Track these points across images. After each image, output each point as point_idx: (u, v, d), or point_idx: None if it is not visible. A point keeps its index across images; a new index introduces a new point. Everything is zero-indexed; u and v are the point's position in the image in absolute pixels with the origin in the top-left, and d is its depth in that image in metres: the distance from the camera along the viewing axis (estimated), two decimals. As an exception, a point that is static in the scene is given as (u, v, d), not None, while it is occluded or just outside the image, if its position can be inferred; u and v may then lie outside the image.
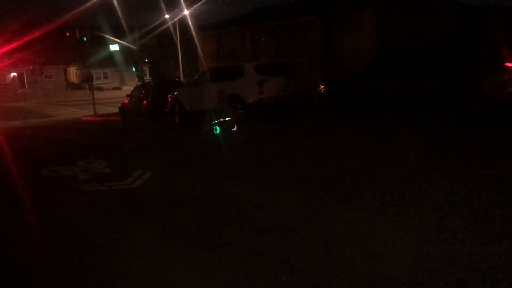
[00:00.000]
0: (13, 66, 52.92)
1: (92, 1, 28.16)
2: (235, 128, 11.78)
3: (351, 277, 2.94)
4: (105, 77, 55.57)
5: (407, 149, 7.07)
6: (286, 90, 12.86)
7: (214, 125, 11.78)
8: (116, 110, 23.41)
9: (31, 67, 47.05)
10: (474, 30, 17.50)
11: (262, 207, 4.70)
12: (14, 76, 55.53)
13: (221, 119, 11.65)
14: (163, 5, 32.10)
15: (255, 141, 9.98)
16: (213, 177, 6.49)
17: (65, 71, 58.86)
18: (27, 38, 42.17)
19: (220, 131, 11.50)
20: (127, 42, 29.32)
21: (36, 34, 42.20)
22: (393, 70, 9.49)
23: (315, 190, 5.14)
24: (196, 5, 30.18)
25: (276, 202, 4.85)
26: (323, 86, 11.20)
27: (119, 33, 32.51)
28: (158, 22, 34.69)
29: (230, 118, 11.76)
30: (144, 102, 18.21)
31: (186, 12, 31.05)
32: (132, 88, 27.81)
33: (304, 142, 9.07)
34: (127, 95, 20.82)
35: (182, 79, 28.31)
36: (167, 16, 32.75)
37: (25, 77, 54.70)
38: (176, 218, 4.53)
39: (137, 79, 30.35)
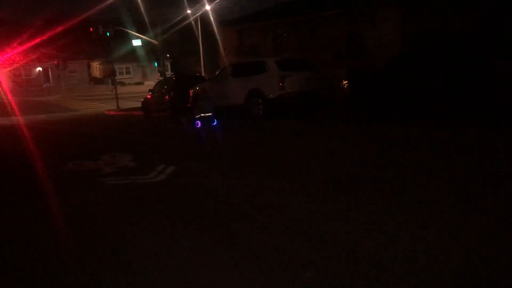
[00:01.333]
0: (38, 61, 53.96)
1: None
2: (215, 123, 12.75)
3: (375, 277, 2.90)
4: (128, 72, 56.24)
5: (430, 147, 6.95)
6: (308, 85, 12.78)
7: (196, 119, 12.91)
8: (138, 104, 23.64)
9: (56, 62, 47.88)
10: (503, 26, 17.05)
11: (286, 204, 4.68)
12: (39, 70, 56.62)
13: (202, 115, 12.71)
14: (185, 0, 32.24)
15: (277, 138, 9.95)
16: (235, 172, 6.50)
17: (89, 66, 59.74)
18: (51, 33, 42.91)
19: (202, 125, 12.63)
20: (149, 37, 29.58)
21: (60, 29, 42.92)
22: (417, 66, 9.33)
23: (338, 189, 5.09)
24: (218, 0, 30.23)
25: (300, 200, 4.82)
26: (346, 82, 11.08)
27: (141, 28, 32.82)
28: (180, 17, 34.85)
29: (210, 114, 12.79)
30: (166, 97, 18.35)
31: (207, 7, 31.13)
32: (153, 83, 28.09)
33: (326, 139, 9.02)
34: (150, 90, 21.00)
35: (203, 74, 28.42)
36: (188, 11, 32.88)
37: (49, 72, 55.73)
38: (199, 213, 4.54)
39: (158, 74, 30.62)
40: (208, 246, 3.61)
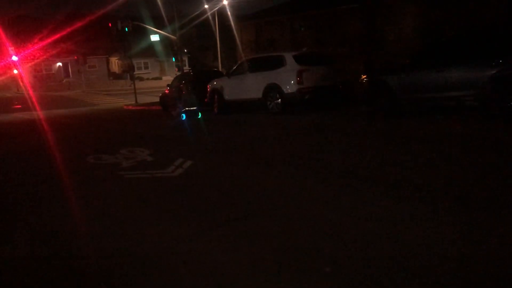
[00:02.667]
0: (58, 56, 54.76)
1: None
2: (199, 116, 14.45)
3: (392, 273, 2.87)
4: (146, 67, 56.70)
5: (453, 144, 6.85)
6: (326, 80, 12.72)
7: (182, 112, 14.40)
8: (157, 99, 23.83)
9: (76, 57, 48.57)
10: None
11: (305, 200, 4.66)
12: (59, 66, 57.46)
13: (187, 108, 14.49)
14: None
15: (295, 132, 9.92)
16: (254, 166, 6.50)
17: (107, 61, 60.39)
18: (70, 29, 43.47)
19: (186, 118, 14.27)
20: (167, 33, 29.72)
21: (79, 24, 43.44)
22: (437, 61, 9.16)
23: (356, 184, 5.04)
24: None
25: (320, 195, 4.79)
26: (365, 76, 10.98)
27: (159, 23, 32.99)
28: (198, 12, 34.91)
29: (195, 108, 14.55)
30: (184, 92, 18.42)
31: (225, 1, 31.12)
32: (171, 78, 28.25)
33: (344, 134, 8.96)
34: (168, 85, 21.14)
35: (220, 69, 28.49)
36: (206, 6, 32.92)
37: (69, 67, 56.52)
38: (218, 207, 4.55)
39: (176, 69, 30.78)
40: (226, 241, 3.62)
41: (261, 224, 3.96)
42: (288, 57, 12.95)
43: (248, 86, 13.99)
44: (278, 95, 12.89)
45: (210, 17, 33.82)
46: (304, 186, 5.13)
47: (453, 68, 8.90)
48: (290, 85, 12.58)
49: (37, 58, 53.96)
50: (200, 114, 14.57)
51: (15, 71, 51.00)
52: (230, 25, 30.97)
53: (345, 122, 10.61)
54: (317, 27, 22.59)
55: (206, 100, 16.22)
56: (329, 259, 3.12)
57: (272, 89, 13.03)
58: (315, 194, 4.76)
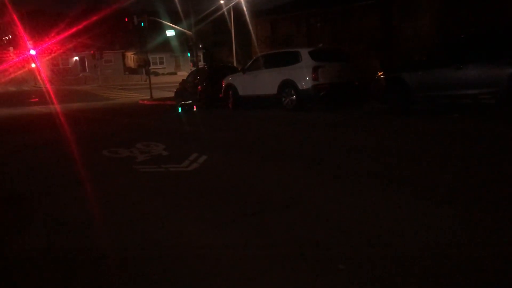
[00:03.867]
0: (74, 50, 55.34)
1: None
2: (195, 109, 16.49)
3: (406, 271, 2.84)
4: (161, 62, 56.97)
5: (470, 142, 6.75)
6: (341, 76, 12.64)
7: (178, 106, 16.79)
8: (171, 94, 23.93)
9: (92, 52, 48.99)
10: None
11: (320, 196, 4.64)
12: (76, 60, 58.08)
13: (183, 102, 16.89)
14: (218, -10, 32.26)
15: (309, 129, 9.88)
16: (269, 162, 6.49)
17: (123, 56, 60.85)
18: (86, 23, 43.83)
19: (181, 111, 16.48)
20: (182, 28, 29.79)
21: (95, 18, 43.79)
22: (455, 58, 9.04)
23: (372, 181, 5.01)
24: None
25: (333, 192, 4.77)
26: (381, 73, 10.87)
27: (175, 19, 33.08)
28: (213, 7, 34.91)
29: (190, 102, 16.84)
30: (199, 87, 18.49)
31: (241, -3, 31.06)
32: (186, 73, 28.33)
33: (358, 132, 8.91)
34: (183, 80, 21.20)
35: (235, 65, 28.49)
36: (222, 1, 32.90)
37: (86, 61, 57.09)
38: (232, 202, 4.56)
39: (191, 65, 30.87)
40: (241, 236, 3.62)
41: (276, 219, 3.95)
42: (304, 53, 12.88)
43: (263, 82, 13.97)
44: (293, 91, 12.84)
45: (226, 13, 33.81)
46: (319, 183, 5.11)
47: (471, 66, 8.77)
48: (305, 81, 12.52)
49: (54, 52, 54.63)
50: (195, 107, 16.85)
51: (33, 65, 51.71)
52: (245, 21, 30.91)
53: (360, 119, 10.54)
54: (333, 23, 22.43)
55: (220, 95, 16.25)
56: (343, 256, 3.10)
57: (287, 85, 12.99)
58: (330, 191, 4.74)
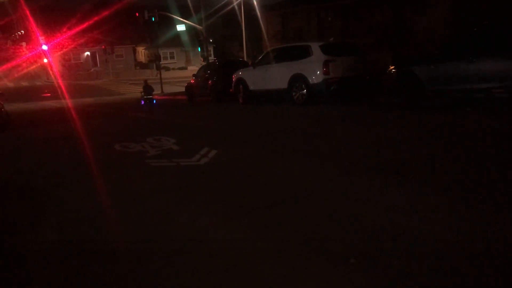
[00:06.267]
0: (85, 45, 55.67)
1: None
2: (155, 102, 21.03)
3: (416, 267, 2.83)
4: (172, 57, 57.03)
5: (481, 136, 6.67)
6: (352, 70, 12.55)
7: (141, 100, 21.20)
8: (182, 89, 24.01)
9: (103, 47, 49.25)
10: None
11: (329, 190, 4.63)
12: (87, 55, 58.44)
13: (145, 97, 21.15)
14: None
15: (320, 123, 9.86)
16: (279, 156, 6.49)
17: (134, 51, 61.04)
18: (97, 18, 44.02)
19: (144, 103, 20.71)
20: (193, 22, 29.81)
21: (106, 14, 43.95)
22: (468, 52, 8.92)
23: (383, 176, 4.98)
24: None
25: (343, 186, 4.76)
26: (393, 67, 10.77)
27: (185, 13, 33.10)
28: (223, 1, 34.84)
29: (151, 96, 21.22)
30: (209, 82, 18.51)
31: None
32: (196, 68, 28.38)
33: (369, 126, 8.86)
34: (193, 75, 21.25)
35: (245, 59, 28.46)
36: (232, -5, 32.79)
37: (97, 56, 57.41)
38: (241, 196, 4.57)
39: (202, 59, 30.91)
40: (252, 230, 3.63)
41: (286, 213, 3.96)
42: (315, 47, 12.82)
43: (274, 76, 13.94)
44: (303, 86, 12.80)
45: (236, 7, 33.72)
46: (329, 177, 5.10)
47: (484, 59, 8.66)
48: (316, 76, 12.47)
49: (66, 47, 55.02)
50: (154, 101, 21.28)
51: (45, 60, 52.14)
52: (256, 15, 30.79)
53: (371, 113, 10.47)
54: (344, 17, 22.26)
55: (231, 90, 16.25)
56: (354, 250, 3.10)
57: (298, 80, 12.95)
58: (340, 185, 4.72)
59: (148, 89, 21.29)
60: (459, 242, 3.12)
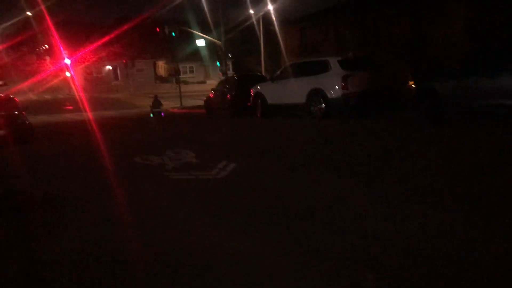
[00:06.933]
0: (107, 59, 56.72)
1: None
2: (162, 115, 22.63)
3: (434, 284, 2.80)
4: (191, 71, 57.72)
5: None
6: (371, 85, 12.53)
7: (151, 112, 22.79)
8: (201, 103, 24.27)
9: (124, 61, 50.14)
10: None
11: (350, 204, 4.61)
12: (109, 69, 59.49)
13: (154, 110, 22.60)
14: (248, 0, 32.58)
15: (338, 137, 9.84)
16: (297, 170, 6.50)
17: (154, 65, 61.93)
18: (118, 32, 44.87)
19: (153, 116, 22.33)
20: (212, 37, 30.19)
21: (127, 27, 44.77)
22: (489, 67, 8.83)
23: (401, 191, 4.94)
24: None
25: (363, 200, 4.74)
26: (412, 82, 10.73)
27: (204, 28, 33.55)
28: (242, 17, 35.27)
29: (159, 109, 22.77)
30: (228, 96, 18.67)
31: (270, 7, 31.25)
32: (215, 82, 28.65)
33: (389, 141, 8.81)
34: (212, 89, 21.48)
35: (263, 74, 28.63)
36: (251, 11, 33.20)
37: (118, 70, 58.41)
38: (261, 209, 4.59)
39: (220, 74, 31.21)
40: (270, 243, 3.64)
41: (305, 227, 3.96)
42: (333, 61, 12.85)
43: (292, 91, 14.00)
44: (322, 100, 12.81)
45: (255, 22, 34.07)
46: (347, 191, 5.08)
47: (506, 74, 8.56)
48: (334, 90, 12.48)
49: (88, 61, 56.17)
50: (162, 114, 22.78)
51: (68, 74, 53.27)
52: (274, 30, 31.04)
53: (391, 128, 10.40)
54: (362, 31, 22.27)
55: (249, 104, 16.35)
56: (373, 265, 3.08)
57: (316, 94, 12.97)
58: (359, 200, 4.70)
59: (157, 103, 22.83)
60: (480, 261, 3.07)
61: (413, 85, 10.57)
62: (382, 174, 5.83)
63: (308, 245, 3.55)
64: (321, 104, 12.83)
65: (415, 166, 6.17)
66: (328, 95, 12.60)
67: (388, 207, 4.37)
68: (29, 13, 40.30)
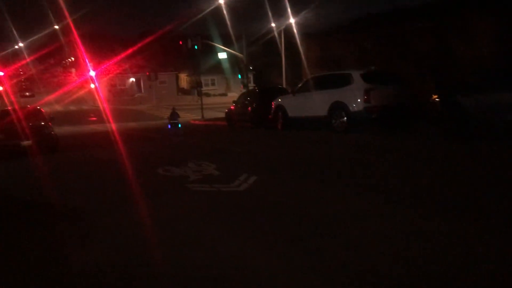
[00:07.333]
0: (129, 71, 57.82)
1: (204, 12, 29.71)
2: (180, 126, 23.67)
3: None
4: (212, 84, 58.30)
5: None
6: (394, 99, 12.42)
7: (168, 124, 24.11)
8: (222, 115, 24.41)
9: (147, 73, 50.96)
10: None
11: (370, 221, 4.54)
12: (132, 81, 60.57)
13: (171, 121, 23.82)
14: (270, 13, 32.86)
15: (359, 152, 9.74)
16: (320, 184, 6.45)
17: (177, 77, 62.79)
18: (141, 45, 45.72)
19: (171, 128, 23.47)
20: (234, 50, 30.47)
21: (150, 39, 45.57)
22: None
23: (423, 208, 4.85)
24: (303, 13, 30.46)
25: (386, 217, 4.66)
26: (436, 96, 10.59)
27: (226, 41, 33.91)
28: (264, 31, 35.54)
29: (176, 121, 23.89)
30: (249, 108, 18.75)
31: (292, 20, 31.44)
32: (236, 95, 28.84)
33: (413, 156, 8.68)
34: (233, 101, 21.61)
35: (284, 86, 28.70)
36: (273, 24, 33.44)
37: (141, 82, 59.39)
38: (280, 224, 4.55)
39: (241, 86, 31.40)
40: (291, 259, 3.60)
41: (327, 243, 3.90)
42: (355, 75, 12.80)
43: (313, 104, 13.98)
44: (343, 113, 12.75)
45: (277, 35, 34.28)
46: (371, 208, 5.00)
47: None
48: (356, 104, 12.41)
49: (111, 73, 57.34)
50: (180, 125, 23.91)
51: (92, 86, 54.44)
52: (295, 43, 31.18)
53: (414, 144, 10.26)
54: (385, 45, 22.16)
55: (270, 116, 16.38)
56: (396, 284, 3.02)
57: (338, 107, 12.92)
58: (384, 216, 4.62)
59: (174, 115, 24.33)
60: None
61: (437, 99, 10.43)
62: (404, 190, 5.73)
63: (327, 262, 3.49)
64: (343, 117, 12.76)
65: (441, 185, 6.06)
66: (350, 108, 12.53)
67: (412, 225, 4.28)
68: (56, 27, 41.43)
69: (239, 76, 32.52)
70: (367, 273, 3.23)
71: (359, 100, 12.34)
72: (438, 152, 8.72)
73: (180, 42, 31.47)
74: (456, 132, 9.82)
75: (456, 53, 18.51)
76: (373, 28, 23.46)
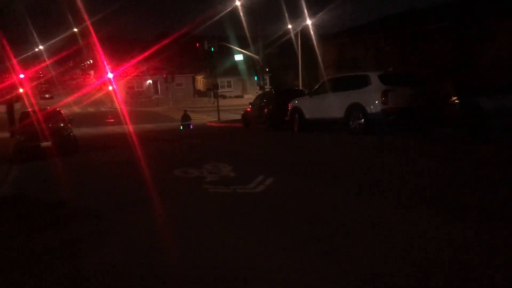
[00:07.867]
0: (147, 73, 58.39)
1: (221, 14, 29.84)
2: (191, 127, 25.72)
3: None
4: (228, 86, 58.48)
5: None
6: (412, 101, 12.26)
7: (182, 125, 26.04)
8: (238, 117, 24.49)
9: (164, 75, 51.38)
10: None
11: (385, 224, 4.49)
12: (149, 83, 61.12)
13: (184, 123, 25.77)
14: (286, 15, 32.85)
15: (376, 154, 9.66)
16: (337, 186, 6.40)
17: (193, 80, 63.15)
18: (158, 47, 46.09)
19: (183, 128, 25.21)
20: (250, 52, 30.51)
21: (166, 42, 45.89)
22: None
23: (442, 211, 4.77)
24: (319, 14, 30.38)
25: (401, 221, 4.60)
26: (455, 98, 10.42)
27: (242, 43, 33.97)
28: (280, 32, 35.51)
29: (188, 122, 26.09)
30: (265, 110, 18.75)
31: (308, 22, 31.36)
32: (252, 97, 28.87)
33: (431, 159, 8.57)
34: (250, 103, 21.65)
35: (301, 88, 28.63)
36: (289, 26, 33.40)
37: (158, 84, 59.92)
38: (297, 226, 4.53)
39: (258, 88, 31.42)
40: (306, 261, 3.58)
41: (342, 246, 3.87)
42: (373, 76, 12.69)
43: (330, 105, 13.90)
44: (361, 115, 12.63)
45: (293, 37, 34.25)
46: (386, 211, 4.94)
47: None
48: (374, 105, 12.28)
49: (129, 75, 57.95)
50: (191, 126, 25.88)
51: (110, 88, 55.12)
52: (312, 44, 31.11)
53: (432, 146, 10.12)
54: (403, 47, 21.94)
55: (286, 118, 16.35)
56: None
57: (355, 109, 12.81)
58: (398, 220, 4.56)
59: (186, 117, 26.19)
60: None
61: (456, 101, 10.27)
62: (420, 193, 5.66)
63: (350, 265, 3.46)
64: (360, 119, 12.65)
65: (453, 185, 5.96)
66: (368, 109, 12.42)
67: (426, 228, 4.22)
68: (75, 29, 42.07)
69: (255, 78, 32.49)
70: (380, 276, 3.19)
71: (376, 101, 12.22)
72: (457, 155, 8.58)
73: (197, 44, 31.61)
74: (475, 134, 9.65)
75: (476, 55, 18.23)
76: (390, 30, 23.26)
